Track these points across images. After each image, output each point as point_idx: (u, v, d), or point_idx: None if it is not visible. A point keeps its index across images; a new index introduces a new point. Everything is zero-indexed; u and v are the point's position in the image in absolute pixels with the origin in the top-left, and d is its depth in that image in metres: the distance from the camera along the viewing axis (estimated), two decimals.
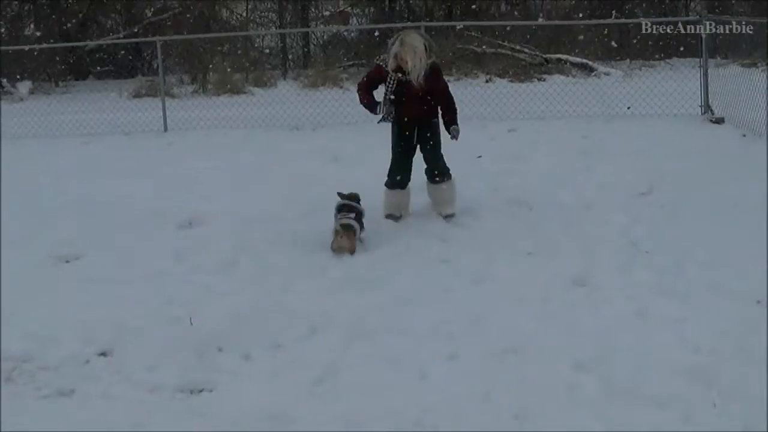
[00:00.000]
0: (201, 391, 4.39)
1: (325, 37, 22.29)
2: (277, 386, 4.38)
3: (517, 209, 7.38)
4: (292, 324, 5.10)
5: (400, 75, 6.73)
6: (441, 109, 6.95)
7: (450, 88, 7.06)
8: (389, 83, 6.77)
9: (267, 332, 5.00)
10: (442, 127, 6.99)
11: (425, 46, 6.70)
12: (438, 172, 7.03)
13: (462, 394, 4.21)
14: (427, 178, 7.11)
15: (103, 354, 4.81)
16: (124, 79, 20.12)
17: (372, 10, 22.66)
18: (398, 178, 7.00)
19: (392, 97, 6.80)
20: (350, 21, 22.82)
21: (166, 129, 12.95)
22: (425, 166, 7.06)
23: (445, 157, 7.10)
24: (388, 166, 7.06)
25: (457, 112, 7.03)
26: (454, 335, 4.89)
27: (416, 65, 6.65)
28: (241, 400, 4.27)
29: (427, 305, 5.36)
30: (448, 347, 4.73)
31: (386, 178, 7.07)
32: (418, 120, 6.88)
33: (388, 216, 7.05)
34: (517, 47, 18.22)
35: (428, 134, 6.93)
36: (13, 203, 8.11)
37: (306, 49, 22.23)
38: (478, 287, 5.68)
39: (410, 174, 7.05)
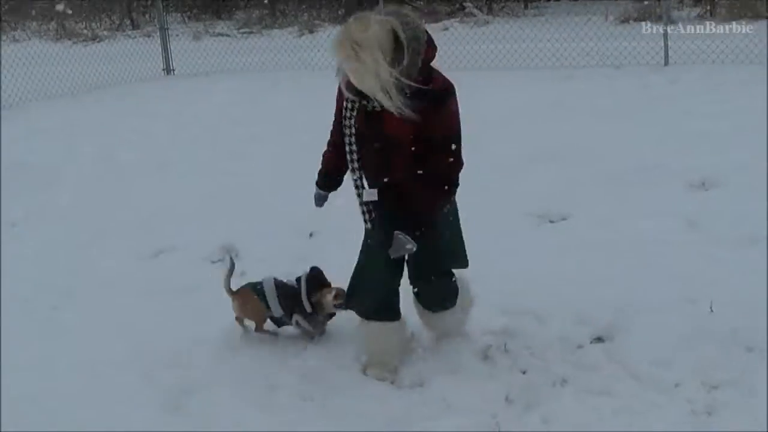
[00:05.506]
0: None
1: None
2: None
3: None
4: None
5: (363, 101, 3.74)
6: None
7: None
8: (347, 119, 3.82)
9: None
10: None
11: (394, 34, 3.49)
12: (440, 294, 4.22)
13: None
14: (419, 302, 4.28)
15: (599, 339, 4.32)
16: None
17: None
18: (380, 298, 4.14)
19: (354, 152, 3.82)
20: None
21: (666, 62, 11.87)
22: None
23: None
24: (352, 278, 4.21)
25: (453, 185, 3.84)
26: None
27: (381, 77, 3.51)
28: None
29: None
30: None
31: (355, 299, 4.22)
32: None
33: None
34: None
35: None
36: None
37: None
38: None
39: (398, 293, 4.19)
